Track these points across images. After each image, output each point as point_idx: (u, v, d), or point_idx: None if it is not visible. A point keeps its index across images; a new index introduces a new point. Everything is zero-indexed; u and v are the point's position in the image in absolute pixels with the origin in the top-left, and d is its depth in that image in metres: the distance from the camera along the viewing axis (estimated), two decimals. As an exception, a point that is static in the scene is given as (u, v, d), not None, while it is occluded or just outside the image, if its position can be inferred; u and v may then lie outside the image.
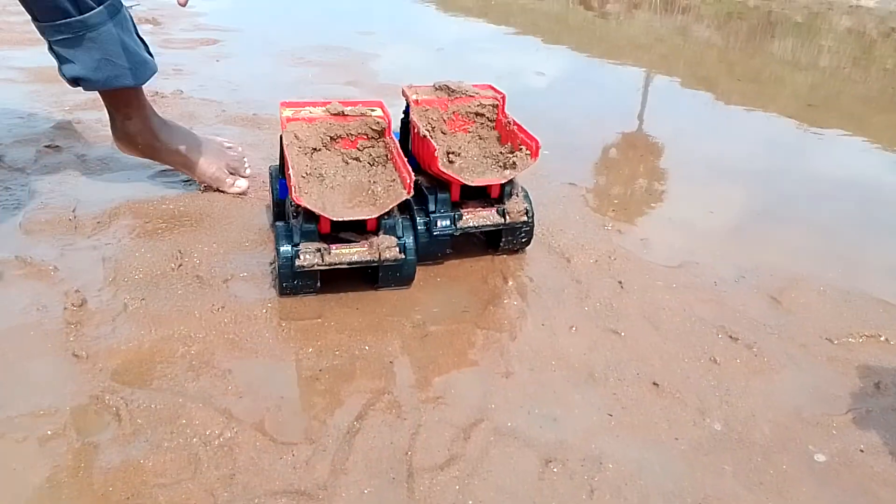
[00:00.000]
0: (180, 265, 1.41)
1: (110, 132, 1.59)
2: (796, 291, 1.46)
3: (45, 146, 1.91)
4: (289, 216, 1.34)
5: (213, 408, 1.05)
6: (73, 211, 1.58)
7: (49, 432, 0.98)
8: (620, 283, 1.46)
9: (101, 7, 1.35)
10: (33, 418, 1.01)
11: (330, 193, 1.30)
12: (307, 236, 1.27)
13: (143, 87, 1.50)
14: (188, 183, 1.72)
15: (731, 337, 1.30)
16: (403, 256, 1.30)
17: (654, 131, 2.46)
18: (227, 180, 1.64)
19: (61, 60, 1.41)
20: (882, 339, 1.32)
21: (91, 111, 2.19)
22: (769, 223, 1.78)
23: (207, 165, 1.61)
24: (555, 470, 0.97)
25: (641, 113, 2.68)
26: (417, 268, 1.36)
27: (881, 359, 1.26)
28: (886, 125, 2.71)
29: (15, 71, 2.60)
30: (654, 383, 1.17)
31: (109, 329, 1.21)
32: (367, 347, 1.20)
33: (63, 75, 1.43)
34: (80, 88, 1.43)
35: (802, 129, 2.55)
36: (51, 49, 1.41)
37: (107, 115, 1.56)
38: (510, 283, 1.43)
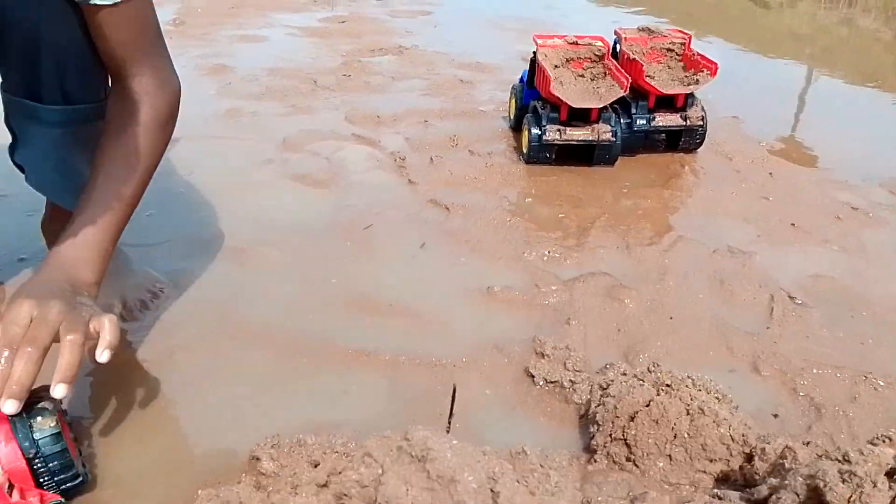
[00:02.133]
0: (455, 144, 2.10)
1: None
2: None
3: (343, 75, 2.69)
4: (536, 110, 1.98)
5: (482, 191, 1.71)
6: (378, 116, 2.31)
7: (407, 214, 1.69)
8: (771, 173, 1.99)
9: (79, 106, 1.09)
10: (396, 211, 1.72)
11: (568, 93, 1.93)
12: (552, 121, 1.90)
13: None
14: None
15: (853, 208, 1.81)
16: (614, 140, 1.91)
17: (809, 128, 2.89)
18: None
19: (17, 140, 1.15)
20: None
21: (365, 56, 2.97)
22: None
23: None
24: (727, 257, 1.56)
25: (799, 111, 3.11)
26: (619, 158, 1.96)
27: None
28: None
29: (294, 28, 3.44)
30: (792, 224, 1.71)
31: (424, 172, 1.91)
32: (585, 194, 1.82)
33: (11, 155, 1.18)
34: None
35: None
36: (7, 122, 1.13)
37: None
38: (686, 168, 2.00)
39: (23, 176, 1.20)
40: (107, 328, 0.87)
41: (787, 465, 0.78)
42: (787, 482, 0.73)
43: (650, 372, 1.04)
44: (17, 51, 1.01)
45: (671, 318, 1.33)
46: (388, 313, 1.32)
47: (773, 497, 0.73)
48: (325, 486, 0.72)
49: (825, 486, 0.67)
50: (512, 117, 2.22)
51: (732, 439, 0.92)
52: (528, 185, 1.87)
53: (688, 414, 0.94)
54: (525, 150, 1.98)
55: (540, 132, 1.91)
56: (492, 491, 0.65)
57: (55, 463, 0.79)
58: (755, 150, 2.15)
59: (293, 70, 2.74)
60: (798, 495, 0.70)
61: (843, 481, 0.67)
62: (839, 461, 0.69)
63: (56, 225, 1.34)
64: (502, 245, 1.57)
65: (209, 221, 1.60)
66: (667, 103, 2.01)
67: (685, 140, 2.06)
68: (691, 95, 2.00)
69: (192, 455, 0.98)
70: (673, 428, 0.93)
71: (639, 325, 1.31)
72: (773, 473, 0.81)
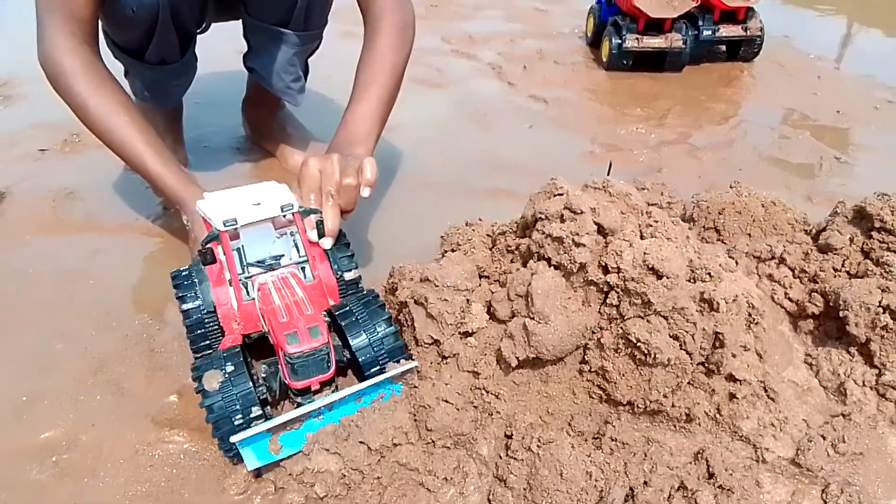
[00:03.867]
0: (542, 57, 2.44)
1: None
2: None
3: (431, 5, 3.04)
4: (616, 23, 2.31)
5: (572, 90, 2.07)
6: (470, 36, 2.66)
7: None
8: (819, 76, 2.31)
9: (310, 32, 1.49)
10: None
11: (647, 4, 2.25)
12: (630, 30, 2.24)
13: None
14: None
15: (889, 101, 2.13)
16: (684, 47, 2.24)
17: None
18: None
19: (250, 49, 1.54)
20: None
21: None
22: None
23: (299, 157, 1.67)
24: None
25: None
26: (687, 68, 2.30)
27: None
28: None
29: None
30: (837, 111, 2.04)
31: (520, 76, 2.26)
32: (660, 92, 2.16)
33: (245, 60, 1.57)
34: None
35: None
36: (245, 35, 1.51)
37: None
38: (744, 73, 2.33)
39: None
40: (367, 169, 1.09)
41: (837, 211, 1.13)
42: (837, 212, 1.10)
43: (731, 187, 1.40)
44: None
45: (740, 169, 1.69)
46: (513, 169, 1.70)
47: (828, 227, 1.10)
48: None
49: (867, 204, 1.03)
50: (589, 34, 2.56)
51: (796, 220, 1.27)
52: (610, 86, 2.22)
53: (762, 206, 1.30)
54: (605, 58, 2.32)
55: (621, 41, 2.25)
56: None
57: (352, 276, 1.04)
58: (805, 61, 2.47)
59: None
60: (847, 217, 1.07)
61: (878, 199, 1.03)
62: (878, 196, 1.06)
63: (254, 106, 1.77)
64: (596, 126, 1.93)
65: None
66: (730, 17, 2.33)
67: (744, 49, 2.38)
68: (751, 9, 2.31)
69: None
70: (752, 214, 1.29)
71: (714, 173, 1.67)
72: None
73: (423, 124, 1.91)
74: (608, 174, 1.03)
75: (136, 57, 1.38)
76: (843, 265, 1.05)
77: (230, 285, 0.97)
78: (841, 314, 0.97)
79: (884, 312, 0.94)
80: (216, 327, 0.98)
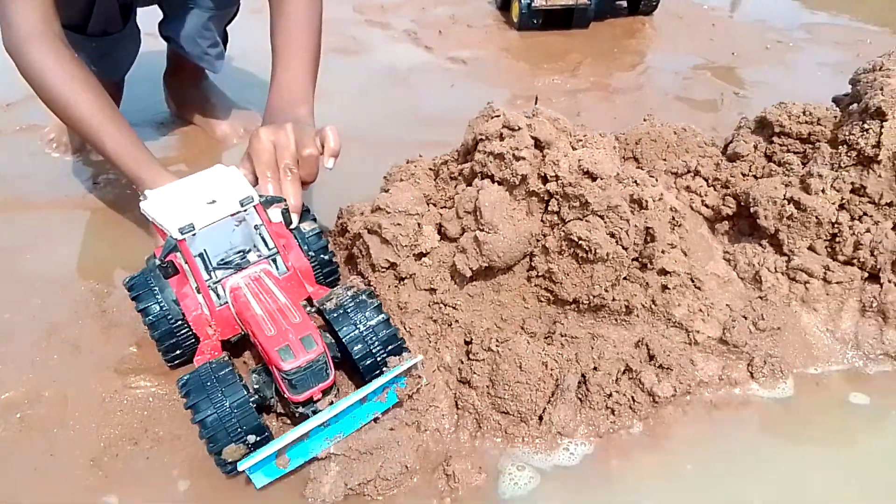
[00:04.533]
0: (455, 21, 2.51)
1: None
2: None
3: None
4: (523, -16, 2.39)
5: (488, 50, 2.15)
6: (381, 5, 2.70)
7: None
8: (713, 24, 2.47)
9: None
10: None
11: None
12: (537, -10, 2.33)
13: None
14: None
15: (778, 41, 2.30)
16: (589, 3, 2.35)
17: None
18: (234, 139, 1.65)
19: (165, 18, 1.52)
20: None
21: None
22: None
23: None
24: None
25: None
26: (592, 24, 2.41)
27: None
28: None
29: None
30: (732, 53, 2.19)
31: (436, 41, 2.32)
32: (570, 47, 2.27)
33: (160, 29, 1.54)
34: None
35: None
36: (160, 3, 1.50)
37: None
38: (646, 26, 2.46)
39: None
40: (330, 137, 1.05)
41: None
42: (741, 126, 1.21)
43: (644, 120, 1.51)
44: None
45: (650, 109, 1.80)
46: (441, 122, 1.75)
47: (734, 139, 1.21)
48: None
49: (767, 113, 1.15)
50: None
51: (705, 143, 1.38)
52: (523, 44, 2.31)
53: (675, 133, 1.40)
54: (516, 19, 2.41)
55: (529, 1, 2.34)
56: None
57: (323, 256, 1.00)
58: (700, 11, 2.63)
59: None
60: (750, 128, 1.19)
61: (777, 107, 1.15)
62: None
63: (175, 77, 1.75)
64: (516, 81, 2.01)
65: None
66: (627, -27, 2.46)
67: (644, 3, 2.51)
68: (647, -36, 2.45)
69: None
70: (665, 141, 1.40)
71: (627, 114, 1.78)
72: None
73: (346, 90, 1.94)
74: (535, 105, 1.10)
75: (80, 31, 1.35)
76: (749, 170, 1.16)
77: (198, 293, 0.92)
78: (752, 210, 1.08)
79: (788, 204, 1.05)
80: (187, 334, 0.93)
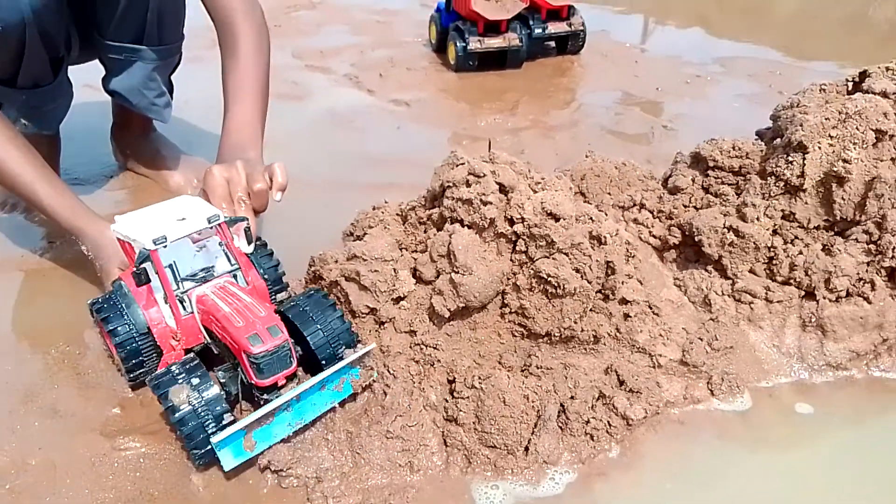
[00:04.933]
0: (394, 65, 2.59)
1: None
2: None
3: (275, 25, 3.09)
4: (458, 28, 2.50)
5: (429, 91, 2.23)
6: (321, 51, 2.75)
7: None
8: (636, 61, 2.63)
9: (165, 46, 1.50)
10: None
11: (484, 9, 2.46)
12: (472, 34, 2.44)
13: None
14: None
15: (697, 76, 2.48)
16: (521, 45, 2.47)
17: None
18: (188, 189, 1.67)
19: (108, 73, 1.52)
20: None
21: (283, 12, 3.35)
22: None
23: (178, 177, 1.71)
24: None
25: None
26: (525, 64, 2.54)
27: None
28: None
29: None
30: (657, 88, 2.35)
31: (377, 83, 2.39)
32: (506, 87, 2.38)
33: (104, 84, 1.54)
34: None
35: None
36: (101, 59, 1.51)
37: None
38: (574, 64, 2.61)
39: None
40: (278, 173, 1.14)
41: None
42: (677, 161, 1.32)
43: (587, 157, 1.61)
44: (127, 8, 1.38)
45: (588, 143, 1.92)
46: (392, 164, 1.81)
47: (673, 173, 1.31)
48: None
49: (700, 149, 1.26)
50: (433, 41, 2.73)
51: (644, 176, 1.48)
52: (462, 85, 2.40)
53: (616, 168, 1.50)
54: (453, 61, 2.50)
55: (465, 43, 2.44)
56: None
57: (275, 272, 1.10)
58: (622, 49, 2.79)
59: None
60: (686, 163, 1.29)
61: (708, 143, 1.26)
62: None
63: (123, 131, 1.75)
64: (458, 120, 2.10)
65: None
66: (555, 15, 2.60)
67: (571, 43, 2.66)
68: (572, 7, 2.59)
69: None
70: (608, 176, 1.49)
71: (568, 149, 1.88)
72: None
73: (293, 134, 1.97)
74: (489, 150, 1.17)
75: (9, 84, 1.35)
76: (690, 201, 1.26)
77: (165, 303, 0.98)
78: (696, 239, 1.18)
79: (728, 232, 1.15)
80: (152, 349, 0.99)
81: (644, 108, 2.19)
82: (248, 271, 1.03)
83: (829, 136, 1.12)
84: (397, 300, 1.01)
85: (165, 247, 0.92)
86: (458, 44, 2.45)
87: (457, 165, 1.03)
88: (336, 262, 1.08)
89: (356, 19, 3.21)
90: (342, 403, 0.98)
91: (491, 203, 0.98)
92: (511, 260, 1.02)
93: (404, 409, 0.96)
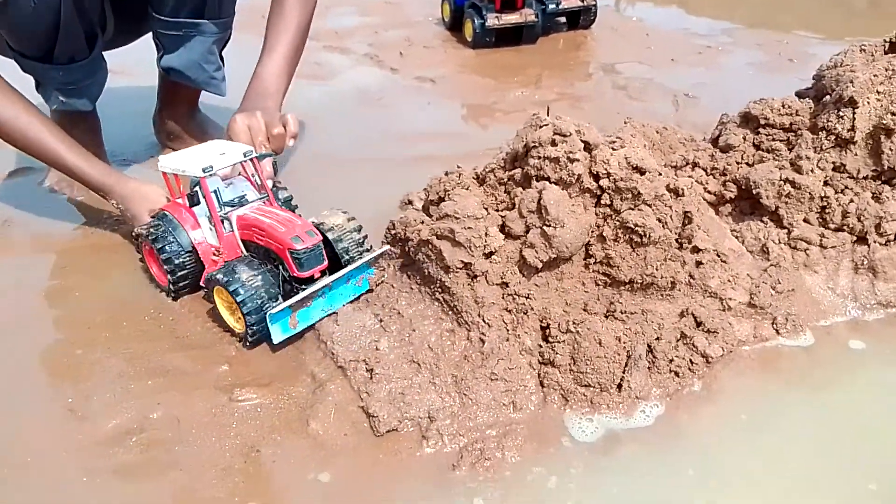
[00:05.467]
0: (411, 44, 2.63)
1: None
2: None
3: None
4: (475, 5, 2.55)
5: (450, 68, 2.28)
6: (335, 31, 2.78)
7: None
8: (647, 34, 2.70)
9: (223, 19, 1.56)
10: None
11: (497, -11, 2.51)
12: (489, 10, 2.49)
13: None
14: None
15: (708, 47, 2.55)
16: (537, 20, 2.53)
17: None
18: None
19: (165, 50, 1.56)
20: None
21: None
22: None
23: None
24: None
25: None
26: (539, 40, 2.59)
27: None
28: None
29: None
30: (672, 59, 2.42)
31: (399, 62, 2.43)
32: (525, 62, 2.43)
33: (158, 62, 1.61)
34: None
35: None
36: (156, 38, 1.57)
37: None
38: (587, 38, 2.67)
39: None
40: (290, 122, 1.38)
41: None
42: (724, 122, 1.39)
43: (626, 123, 1.67)
44: None
45: (618, 112, 1.98)
46: (429, 137, 1.87)
47: (722, 133, 1.39)
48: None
49: (750, 108, 1.33)
50: (447, 19, 2.78)
51: (685, 139, 1.55)
52: (482, 62, 2.46)
53: (657, 132, 1.57)
54: (470, 38, 2.55)
55: (483, 20, 2.49)
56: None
57: (289, 206, 1.30)
58: (631, 24, 2.87)
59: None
60: (735, 122, 1.37)
61: (758, 103, 1.33)
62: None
63: (170, 111, 1.78)
64: (486, 95, 2.15)
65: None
66: (568, -9, 2.66)
67: (583, 18, 2.72)
68: (585, -18, 2.66)
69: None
70: (651, 140, 1.56)
71: (599, 119, 1.94)
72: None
73: (324, 113, 2.02)
74: (547, 114, 1.23)
75: (45, 61, 1.40)
76: (742, 158, 1.34)
77: (209, 225, 1.18)
78: (754, 192, 1.25)
79: (785, 184, 1.23)
80: (195, 263, 1.19)
81: (662, 77, 2.26)
82: (273, 201, 1.22)
83: (877, 91, 1.20)
84: (489, 255, 1.07)
85: (212, 175, 1.12)
86: (475, 20, 2.50)
87: (541, 126, 1.09)
88: (422, 223, 1.14)
89: (363, 1, 3.24)
90: (443, 351, 1.04)
91: (578, 160, 1.05)
92: (596, 214, 1.08)
93: (504, 354, 1.02)
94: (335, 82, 2.29)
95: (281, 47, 1.46)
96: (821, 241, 1.22)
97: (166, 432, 0.97)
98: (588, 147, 1.08)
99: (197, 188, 1.15)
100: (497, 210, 1.14)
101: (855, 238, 1.22)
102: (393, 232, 1.23)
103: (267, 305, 1.07)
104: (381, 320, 1.11)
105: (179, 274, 1.19)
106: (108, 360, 1.10)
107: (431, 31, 2.78)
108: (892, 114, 1.17)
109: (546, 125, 1.09)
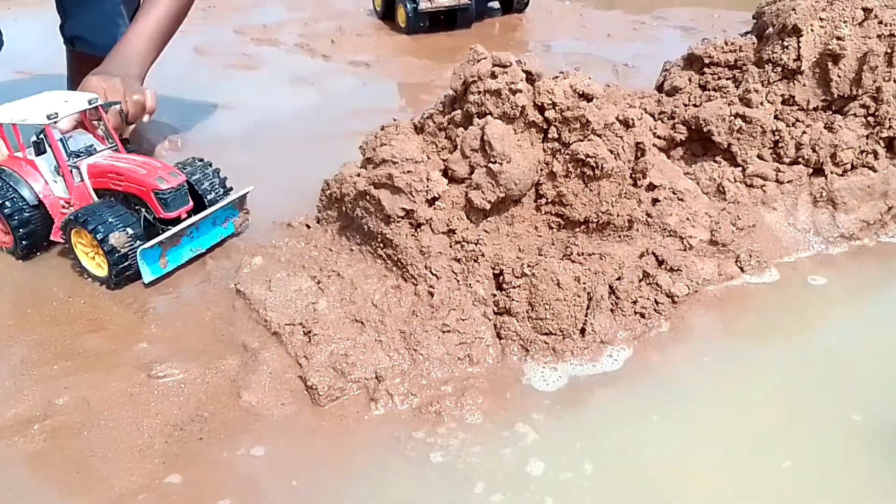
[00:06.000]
0: (342, 33, 2.54)
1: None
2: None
3: (209, 6, 2.98)
4: (405, -10, 2.48)
5: (384, 53, 2.21)
6: (263, 25, 2.67)
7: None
8: (581, 15, 2.68)
9: None
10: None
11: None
12: (421, -6, 2.42)
13: None
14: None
15: (641, 23, 2.54)
16: (470, 3, 2.47)
17: None
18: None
19: (68, 15, 1.52)
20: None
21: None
22: None
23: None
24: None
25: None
26: (473, 24, 2.54)
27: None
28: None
29: None
30: (608, 34, 2.39)
31: (331, 49, 2.34)
32: (460, 44, 2.37)
33: (62, 32, 1.55)
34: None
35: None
36: (58, 6, 1.52)
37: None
38: (522, 21, 2.63)
39: None
40: (149, 97, 1.31)
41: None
42: (667, 68, 1.34)
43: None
44: None
45: (559, 82, 1.93)
46: (368, 113, 1.78)
47: (667, 78, 1.33)
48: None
49: (693, 49, 1.28)
50: (378, 8, 2.70)
51: (629, 94, 1.50)
52: (417, 46, 2.38)
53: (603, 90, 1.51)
54: (404, 24, 2.48)
55: (415, 4, 2.42)
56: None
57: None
58: (563, 7, 2.84)
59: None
60: (679, 66, 1.31)
61: (701, 43, 1.28)
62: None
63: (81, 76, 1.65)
64: (425, 73, 2.08)
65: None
66: (499, -26, 2.62)
67: (517, 2, 2.68)
68: (515, -35, 2.62)
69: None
70: (595, 97, 1.50)
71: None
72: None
73: (255, 98, 1.91)
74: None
75: None
76: (689, 100, 1.29)
77: (57, 174, 1.11)
78: (705, 129, 1.20)
79: (735, 118, 1.18)
80: (41, 219, 1.12)
81: (600, 51, 2.23)
82: (122, 150, 1.17)
83: (820, 17, 1.16)
84: (432, 201, 0.98)
85: (57, 122, 1.06)
86: (408, 5, 2.43)
87: (479, 60, 1.01)
88: (358, 175, 1.04)
89: (291, -4, 3.14)
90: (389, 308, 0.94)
91: (521, 91, 0.97)
92: (544, 150, 1.01)
93: (455, 304, 0.93)
94: (265, 70, 2.18)
95: (156, 12, 1.39)
96: (777, 175, 1.18)
97: (74, 417, 0.84)
98: (531, 78, 1.00)
99: (42, 136, 1.09)
100: (439, 156, 1.06)
101: (811, 170, 1.18)
102: (328, 192, 1.13)
103: (132, 244, 1.03)
104: (318, 282, 1.01)
105: (24, 231, 1.11)
106: (9, 348, 0.97)
107: (363, 21, 2.71)
108: (838, 38, 1.13)
109: (484, 58, 1.01)
